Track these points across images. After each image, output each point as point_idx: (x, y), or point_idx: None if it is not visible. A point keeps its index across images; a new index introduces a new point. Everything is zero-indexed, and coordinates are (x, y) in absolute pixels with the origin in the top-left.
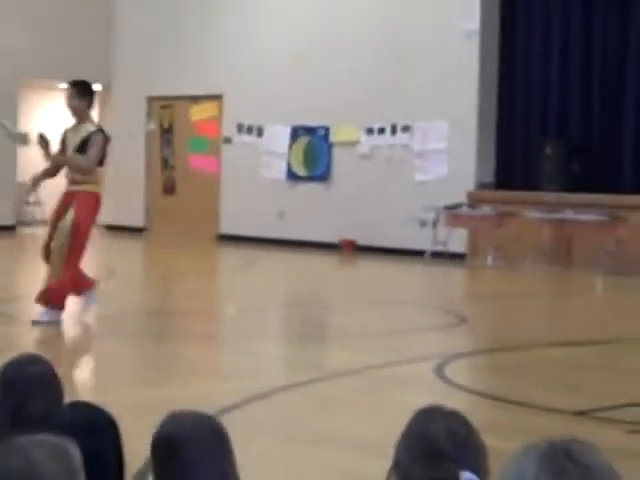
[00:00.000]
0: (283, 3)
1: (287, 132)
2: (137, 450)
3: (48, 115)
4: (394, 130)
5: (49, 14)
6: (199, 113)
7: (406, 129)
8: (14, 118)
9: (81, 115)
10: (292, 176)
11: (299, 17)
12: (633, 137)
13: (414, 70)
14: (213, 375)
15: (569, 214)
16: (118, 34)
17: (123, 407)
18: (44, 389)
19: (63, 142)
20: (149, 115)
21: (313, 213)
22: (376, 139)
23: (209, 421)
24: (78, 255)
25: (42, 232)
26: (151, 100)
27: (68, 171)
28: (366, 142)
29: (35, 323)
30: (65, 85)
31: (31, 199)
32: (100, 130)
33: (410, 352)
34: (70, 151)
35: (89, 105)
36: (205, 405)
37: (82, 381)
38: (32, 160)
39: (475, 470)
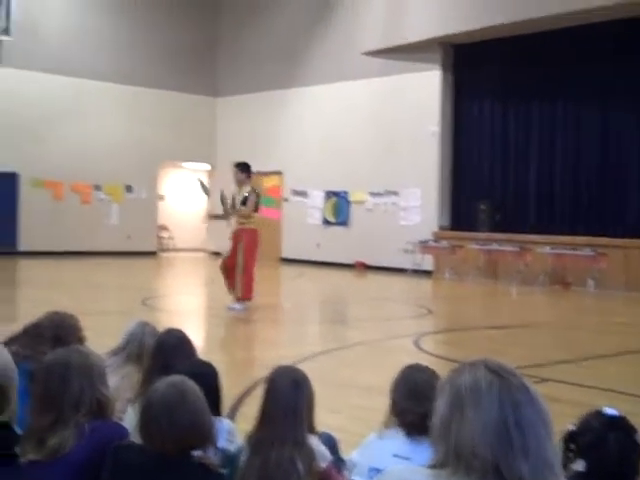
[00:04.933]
0: (321, 113)
1: (322, 195)
2: (231, 390)
3: (175, 184)
4: (388, 193)
5: (174, 115)
6: (268, 182)
7: (395, 193)
8: (154, 186)
9: (241, 182)
10: (325, 222)
11: (329, 121)
12: (535, 196)
13: (399, 155)
14: (278, 344)
15: (495, 246)
16: (220, 131)
17: (221, 363)
18: (180, 350)
19: (233, 199)
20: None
21: (338, 245)
22: (376, 199)
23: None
24: (251, 271)
25: (174, 256)
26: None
27: (236, 217)
28: (370, 201)
29: (230, 309)
30: (186, 164)
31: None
32: (254, 190)
33: (398, 331)
34: (239, 205)
35: (248, 176)
36: (271, 364)
37: (197, 345)
38: (165, 208)
39: None
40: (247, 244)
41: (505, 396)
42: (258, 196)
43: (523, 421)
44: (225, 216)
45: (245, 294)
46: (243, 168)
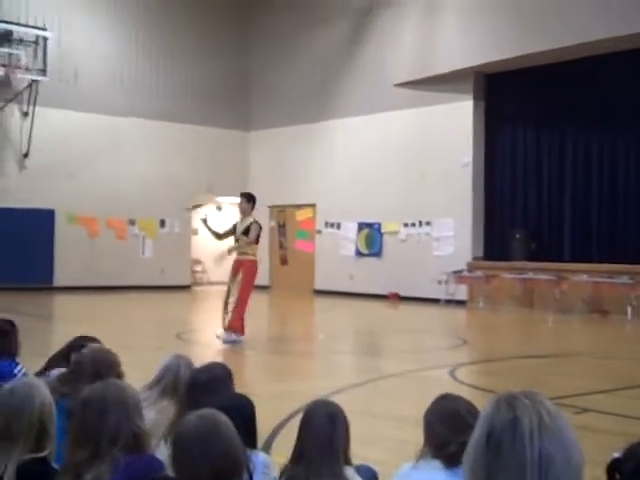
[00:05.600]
0: (354, 146)
1: (355, 226)
2: (266, 422)
3: (209, 218)
4: (421, 224)
5: (208, 150)
6: (302, 215)
7: (428, 223)
8: (188, 221)
9: (245, 212)
10: (358, 253)
11: (362, 154)
12: (570, 224)
13: (432, 185)
14: (312, 376)
15: (530, 275)
16: (252, 165)
17: (256, 396)
18: (214, 386)
19: (234, 228)
20: (271, 217)
21: (371, 276)
22: (410, 230)
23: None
24: (245, 302)
25: (207, 290)
26: (272, 207)
27: (237, 246)
28: (403, 232)
29: (226, 342)
30: (221, 198)
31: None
32: (256, 222)
33: (433, 362)
34: (238, 234)
35: (252, 207)
36: (308, 396)
37: (235, 379)
38: (199, 242)
39: None
40: (245, 276)
41: (539, 438)
42: (260, 228)
43: (552, 470)
44: (216, 236)
45: (236, 326)
46: (248, 198)
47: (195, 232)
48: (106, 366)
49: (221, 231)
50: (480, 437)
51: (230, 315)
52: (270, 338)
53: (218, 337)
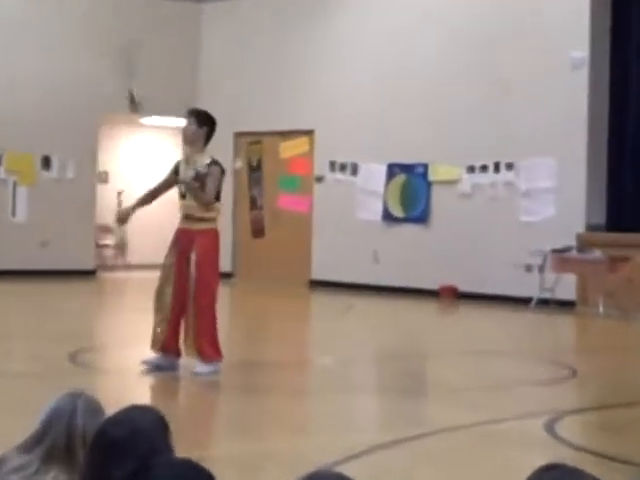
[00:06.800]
0: (377, 32)
1: (383, 170)
2: None
3: (128, 154)
4: (497, 168)
5: (123, 34)
6: (289, 149)
7: (510, 167)
8: (90, 159)
9: (195, 144)
10: (388, 217)
11: (392, 45)
12: None
13: (517, 102)
14: (311, 429)
15: None
16: (203, 61)
17: (222, 463)
18: (146, 448)
19: (175, 172)
20: (236, 152)
21: (410, 257)
22: (478, 177)
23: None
24: (211, 304)
25: (125, 278)
26: (238, 136)
27: (183, 207)
28: (467, 180)
29: (196, 375)
30: (147, 120)
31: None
32: (215, 162)
33: (517, 407)
34: (185, 184)
35: (208, 136)
36: (302, 462)
37: (175, 435)
38: (110, 197)
39: None
40: (204, 259)
41: None
42: (223, 173)
43: None
44: (144, 200)
45: (206, 347)
46: (201, 120)
47: (103, 177)
48: None
49: (152, 186)
50: None
51: (190, 332)
52: (237, 363)
53: (145, 365)
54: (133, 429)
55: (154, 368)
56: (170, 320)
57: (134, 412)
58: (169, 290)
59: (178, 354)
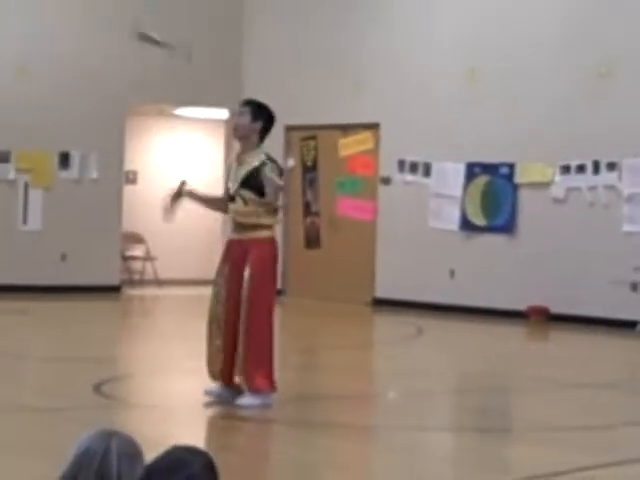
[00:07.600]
0: (454, 13)
1: (461, 170)
2: None
3: (160, 152)
4: (597, 168)
5: (154, 14)
6: (350, 146)
7: (612, 167)
8: (117, 157)
9: (248, 141)
10: (467, 226)
11: (471, 27)
12: None
13: (622, 90)
14: (368, 477)
15: None
16: (250, 51)
17: None
18: None
19: (227, 176)
20: (287, 149)
21: (493, 272)
22: (574, 179)
23: None
24: (268, 329)
25: (155, 295)
26: (290, 130)
27: (232, 212)
28: (561, 183)
29: (241, 406)
30: (183, 110)
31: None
32: (271, 160)
33: (627, 450)
34: (236, 187)
35: (264, 131)
36: None
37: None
38: (140, 200)
39: None
40: (257, 270)
41: None
42: (281, 173)
43: None
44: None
45: (258, 378)
46: (257, 112)
47: (131, 178)
48: None
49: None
50: None
51: (241, 360)
52: (290, 396)
53: (207, 395)
54: (188, 477)
55: (217, 398)
56: (225, 348)
57: (182, 455)
58: (221, 309)
59: (239, 388)
